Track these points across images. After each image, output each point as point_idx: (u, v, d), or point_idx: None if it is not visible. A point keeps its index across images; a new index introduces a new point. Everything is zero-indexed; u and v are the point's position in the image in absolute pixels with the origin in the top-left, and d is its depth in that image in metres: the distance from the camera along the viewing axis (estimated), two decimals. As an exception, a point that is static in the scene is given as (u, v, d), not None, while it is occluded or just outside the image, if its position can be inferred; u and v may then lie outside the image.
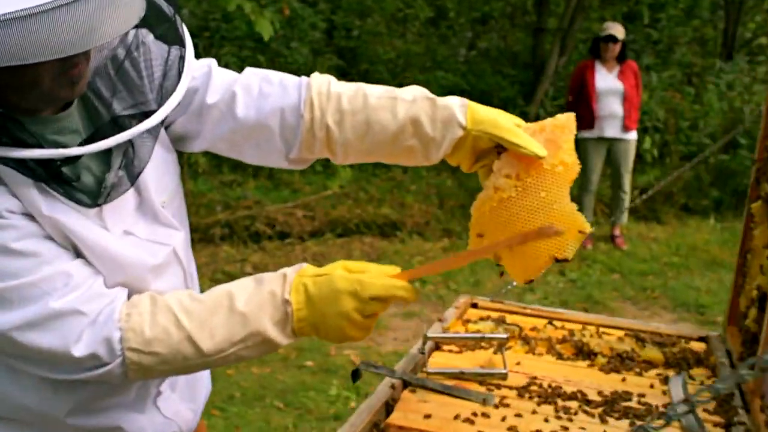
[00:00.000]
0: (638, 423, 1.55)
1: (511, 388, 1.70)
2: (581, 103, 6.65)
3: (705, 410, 1.62)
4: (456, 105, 1.43)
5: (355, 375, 1.71)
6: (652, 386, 1.75)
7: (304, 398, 4.19)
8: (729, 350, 1.94)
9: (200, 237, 6.76)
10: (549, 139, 1.37)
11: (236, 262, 6.43)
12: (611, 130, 6.63)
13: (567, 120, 1.40)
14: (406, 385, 1.69)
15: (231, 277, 6.12)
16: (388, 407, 1.60)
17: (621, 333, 2.04)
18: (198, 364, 1.33)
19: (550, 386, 1.70)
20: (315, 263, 6.55)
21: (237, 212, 7.13)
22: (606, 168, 7.01)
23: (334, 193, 7.56)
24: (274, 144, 1.50)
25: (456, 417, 1.54)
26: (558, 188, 1.34)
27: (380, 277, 1.32)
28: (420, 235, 7.03)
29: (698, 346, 2.00)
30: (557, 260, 1.34)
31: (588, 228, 1.33)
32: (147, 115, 1.30)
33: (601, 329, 2.06)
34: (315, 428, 3.92)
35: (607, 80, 6.62)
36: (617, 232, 7.01)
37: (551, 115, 1.46)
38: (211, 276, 6.09)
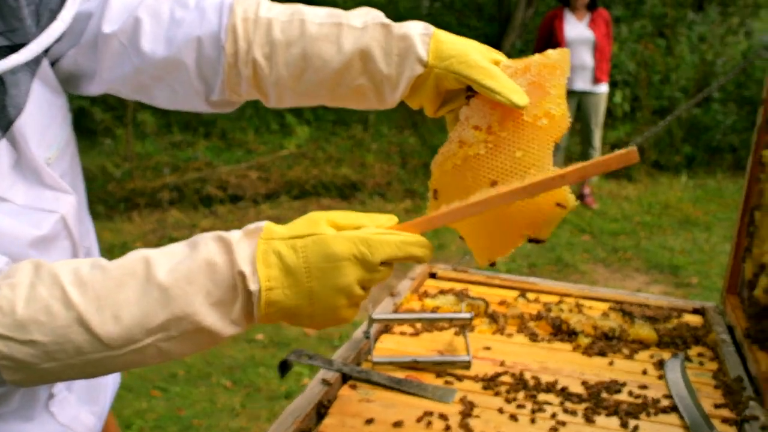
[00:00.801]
0: (632, 422, 1.24)
1: (476, 379, 1.38)
2: (550, 54, 6.36)
3: (714, 405, 1.32)
4: (416, 34, 1.11)
5: (284, 367, 1.39)
6: (645, 372, 1.44)
7: (253, 375, 3.90)
8: (730, 325, 1.65)
9: (147, 201, 6.48)
10: (534, 83, 1.07)
11: (185, 227, 6.13)
12: (581, 82, 6.33)
13: (559, 58, 1.09)
14: (346, 379, 1.36)
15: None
16: (322, 409, 1.27)
17: (605, 306, 1.73)
18: (100, 361, 0.92)
19: (522, 376, 1.39)
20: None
21: (186, 175, 6.81)
22: (575, 123, 6.71)
23: (291, 153, 7.25)
24: (190, 84, 1.18)
25: (402, 423, 1.22)
26: (538, 147, 1.04)
27: (386, 232, 0.97)
28: (381, 196, 6.74)
29: (694, 320, 1.71)
30: (530, 240, 1.05)
31: (572, 202, 1.02)
32: (19, 47, 0.98)
33: (581, 302, 1.75)
34: (265, 408, 3.63)
35: (577, 29, 6.32)
36: (587, 190, 6.74)
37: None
38: (157, 243, 5.78)
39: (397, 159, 7.32)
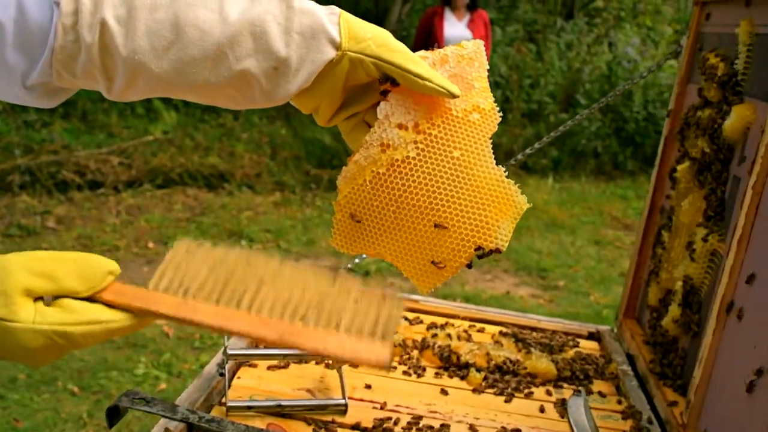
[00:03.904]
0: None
1: (352, 428, 1.15)
2: (427, 52, 6.29)
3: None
4: (322, 12, 0.86)
5: (113, 415, 1.10)
6: (543, 410, 1.27)
7: (104, 380, 3.52)
8: (631, 354, 1.51)
9: (-6, 185, 5.86)
10: (456, 75, 0.91)
11: (36, 214, 5.60)
12: (458, 82, 6.28)
13: (475, 50, 0.93)
14: (192, 430, 1.10)
15: (29, 232, 5.35)
16: (159, 474, 1.00)
17: (495, 330, 1.55)
18: None
19: (407, 423, 1.17)
20: (130, 217, 5.72)
21: (40, 157, 6.22)
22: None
23: (156, 140, 6.78)
24: (2, 57, 0.83)
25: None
26: (476, 145, 0.88)
27: (90, 321, 0.79)
28: (250, 188, 6.43)
29: (590, 346, 1.56)
30: (483, 254, 0.85)
31: (524, 202, 0.87)
32: None
33: (471, 325, 1.57)
34: (115, 417, 3.25)
35: (456, 28, 6.25)
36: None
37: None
38: (4, 231, 5.25)
39: (267, 150, 7.01)
